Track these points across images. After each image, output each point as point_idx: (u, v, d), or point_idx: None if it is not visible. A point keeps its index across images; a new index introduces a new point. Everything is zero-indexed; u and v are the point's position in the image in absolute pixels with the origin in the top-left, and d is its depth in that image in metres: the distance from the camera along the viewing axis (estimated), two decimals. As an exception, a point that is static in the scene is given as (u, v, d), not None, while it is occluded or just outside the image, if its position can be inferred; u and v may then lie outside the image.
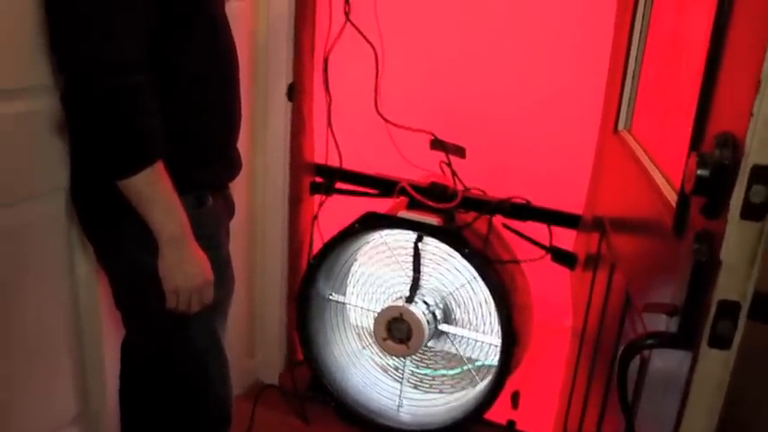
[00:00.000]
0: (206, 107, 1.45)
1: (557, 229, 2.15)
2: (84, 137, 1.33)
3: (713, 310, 0.82)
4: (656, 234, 1.13)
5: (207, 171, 1.49)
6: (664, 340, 0.91)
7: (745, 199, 0.78)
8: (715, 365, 0.83)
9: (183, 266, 1.36)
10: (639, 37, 1.62)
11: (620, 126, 1.71)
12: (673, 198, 1.07)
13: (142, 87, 1.25)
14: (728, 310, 0.81)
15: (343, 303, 2.35)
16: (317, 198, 2.46)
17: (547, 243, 2.16)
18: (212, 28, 1.44)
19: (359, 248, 2.28)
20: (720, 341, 0.83)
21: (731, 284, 0.81)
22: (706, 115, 0.93)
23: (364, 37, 2.22)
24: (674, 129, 1.17)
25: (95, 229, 1.50)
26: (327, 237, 2.22)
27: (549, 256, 2.16)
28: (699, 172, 0.82)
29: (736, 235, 0.79)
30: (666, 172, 1.23)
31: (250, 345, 2.51)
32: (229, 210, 1.66)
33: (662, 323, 0.96)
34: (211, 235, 1.50)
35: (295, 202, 2.41)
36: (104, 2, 1.20)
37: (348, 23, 2.23)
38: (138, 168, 1.26)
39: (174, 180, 1.32)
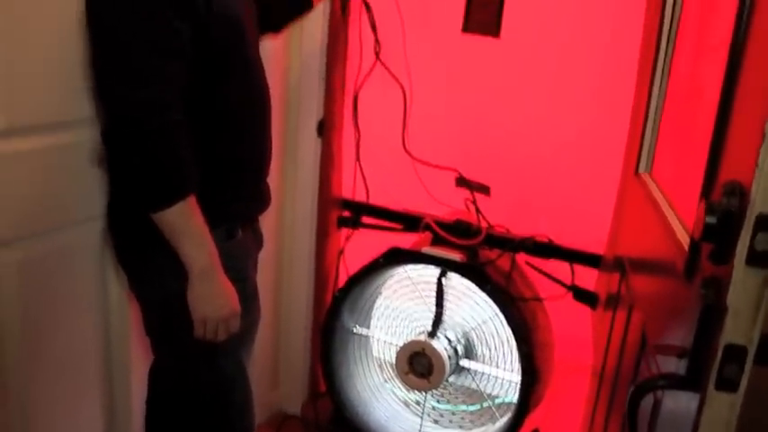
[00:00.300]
0: (238, 145, 1.52)
1: (579, 268, 2.17)
2: (123, 171, 1.39)
3: (720, 353, 0.84)
4: (671, 277, 1.16)
5: (237, 205, 1.55)
6: (672, 382, 0.94)
7: (751, 246, 0.81)
8: (722, 408, 0.86)
9: (211, 297, 1.41)
10: (661, 83, 1.66)
11: (642, 169, 1.74)
12: (686, 242, 1.09)
13: (178, 126, 1.32)
14: (735, 353, 0.84)
15: (367, 336, 2.38)
16: (344, 232, 2.51)
17: (569, 282, 2.17)
18: (247, 70, 1.51)
19: (383, 282, 2.31)
20: (727, 384, 0.85)
21: (737, 329, 0.83)
22: (716, 164, 0.96)
23: (393, 76, 2.28)
24: (691, 174, 1.20)
25: (129, 258, 1.57)
26: (353, 270, 2.26)
27: (570, 295, 2.18)
28: (707, 219, 0.85)
29: (741, 281, 0.82)
30: (682, 216, 1.26)
31: (274, 375, 2.55)
32: (258, 242, 1.72)
33: (674, 364, 0.99)
34: (240, 267, 1.56)
35: (322, 236, 2.46)
36: (145, 48, 1.28)
37: (378, 62, 2.30)
38: (172, 202, 1.32)
39: (206, 213, 1.38)
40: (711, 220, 0.85)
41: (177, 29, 1.31)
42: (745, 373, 0.84)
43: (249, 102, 1.54)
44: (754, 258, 0.81)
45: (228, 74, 1.45)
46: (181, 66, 1.33)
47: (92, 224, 1.64)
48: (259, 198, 1.64)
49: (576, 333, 2.22)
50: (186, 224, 1.36)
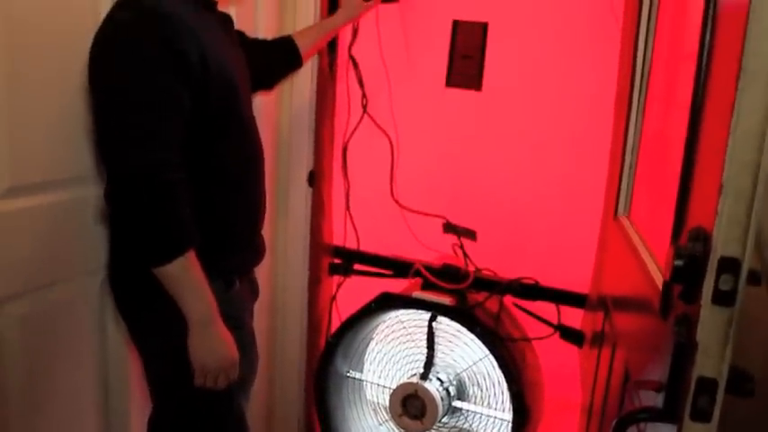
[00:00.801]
0: (234, 200, 1.58)
1: (565, 308, 2.24)
2: (126, 228, 1.45)
3: (693, 386, 0.91)
4: (648, 315, 1.23)
5: (234, 258, 1.62)
6: (652, 414, 1.01)
7: (716, 287, 0.88)
8: (698, 438, 0.92)
9: (211, 347, 1.47)
10: (634, 133, 1.76)
11: (620, 212, 1.82)
12: (661, 283, 1.17)
13: (179, 184, 1.38)
14: (707, 386, 0.91)
15: (361, 380, 2.43)
16: (336, 279, 2.57)
17: (556, 321, 2.24)
18: (242, 127, 1.59)
19: (375, 327, 2.37)
20: (701, 415, 0.92)
21: (707, 363, 0.91)
22: (683, 212, 1.05)
23: (380, 128, 2.39)
24: (663, 219, 1.28)
25: (130, 310, 1.62)
26: (345, 315, 2.31)
27: (557, 334, 2.25)
28: (675, 262, 0.93)
29: (708, 318, 0.89)
30: (657, 258, 1.34)
31: (269, 420, 2.58)
32: (254, 292, 1.78)
33: (654, 398, 1.06)
34: (237, 316, 1.61)
35: (314, 283, 2.52)
36: (147, 110, 1.35)
37: (366, 115, 2.40)
38: (174, 257, 1.38)
39: (205, 266, 1.44)
40: (679, 263, 0.93)
41: (176, 91, 1.38)
42: (717, 403, 0.91)
43: (244, 158, 1.62)
44: (719, 298, 0.88)
45: (225, 132, 1.53)
46: (180, 126, 1.40)
47: (91, 277, 1.70)
48: (254, 250, 1.71)
49: (564, 371, 2.27)
50: (187, 277, 1.42)
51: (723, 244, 0.87)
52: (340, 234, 2.52)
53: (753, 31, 0.84)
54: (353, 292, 2.49)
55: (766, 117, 0.82)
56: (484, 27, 2.26)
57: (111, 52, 1.39)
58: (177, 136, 1.40)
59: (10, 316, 1.50)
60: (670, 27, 1.63)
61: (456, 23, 2.29)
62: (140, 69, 1.35)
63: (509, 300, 2.31)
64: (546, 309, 2.26)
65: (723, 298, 0.88)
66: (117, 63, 1.37)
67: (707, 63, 1.03)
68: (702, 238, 0.92)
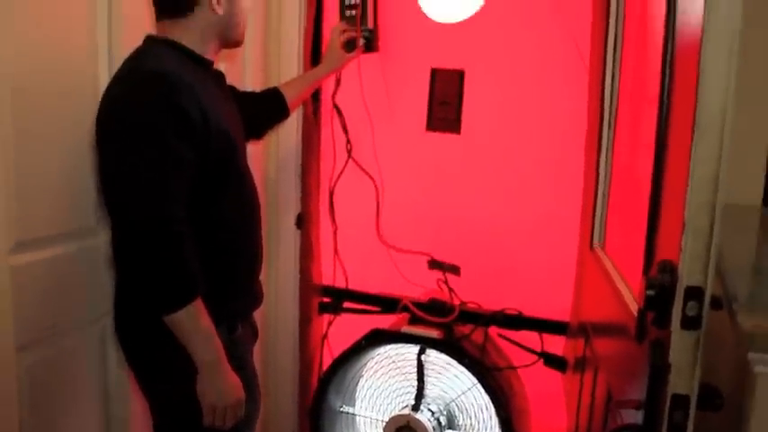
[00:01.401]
0: (236, 248, 1.68)
1: (547, 336, 2.35)
2: (135, 278, 1.52)
3: (668, 403, 1.02)
4: (625, 340, 1.35)
5: (236, 303, 1.70)
6: (633, 431, 1.11)
7: (683, 313, 1.00)
8: (674, 449, 1.03)
9: (219, 387, 1.54)
10: (605, 168, 1.89)
11: (595, 243, 1.95)
12: (636, 310, 1.29)
13: (185, 236, 1.47)
14: (680, 402, 1.02)
15: (354, 415, 2.49)
16: (326, 317, 2.66)
17: (539, 349, 2.35)
18: (240, 178, 1.69)
19: (366, 362, 2.44)
20: (677, 429, 1.03)
21: (680, 382, 1.02)
22: (652, 246, 1.17)
23: (365, 171, 2.50)
24: (635, 250, 1.40)
25: (138, 356, 1.68)
26: (336, 352, 2.38)
27: (541, 362, 2.35)
28: (647, 292, 1.05)
29: (678, 342, 1.01)
30: (632, 286, 1.46)
31: (266, 458, 2.63)
32: (254, 334, 1.87)
33: (634, 416, 1.17)
34: (241, 357, 1.70)
35: (305, 322, 2.60)
36: (153, 168, 1.44)
37: (350, 160, 2.52)
38: (183, 305, 1.46)
39: (210, 312, 1.53)
40: (651, 292, 1.04)
41: (180, 148, 1.47)
42: (690, 418, 1.02)
43: (243, 207, 1.71)
44: (687, 322, 1.00)
45: (225, 184, 1.62)
46: (185, 181, 1.49)
47: (93, 325, 1.78)
48: (254, 295, 1.79)
49: (549, 397, 2.37)
50: (194, 323, 1.49)
51: (688, 275, 0.99)
52: (329, 274, 2.62)
53: (704, 87, 0.97)
54: (344, 329, 2.58)
55: (718, 165, 0.95)
56: (461, 74, 2.38)
57: (118, 112, 1.48)
58: (182, 190, 1.49)
59: (18, 366, 1.56)
60: (633, 72, 1.77)
61: (434, 71, 2.41)
62: (147, 129, 1.44)
63: (494, 330, 2.40)
64: (529, 337, 2.36)
65: (690, 322, 1.00)
66: (125, 123, 1.46)
67: (666, 114, 1.16)
68: (670, 269, 1.04)
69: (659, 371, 1.05)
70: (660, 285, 1.04)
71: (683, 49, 1.13)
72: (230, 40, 1.71)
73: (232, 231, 1.67)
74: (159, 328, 1.49)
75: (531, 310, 2.36)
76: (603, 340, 1.67)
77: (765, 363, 0.97)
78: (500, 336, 2.41)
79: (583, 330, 1.99)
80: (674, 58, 1.18)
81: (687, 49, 1.09)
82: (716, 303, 1.04)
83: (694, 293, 0.99)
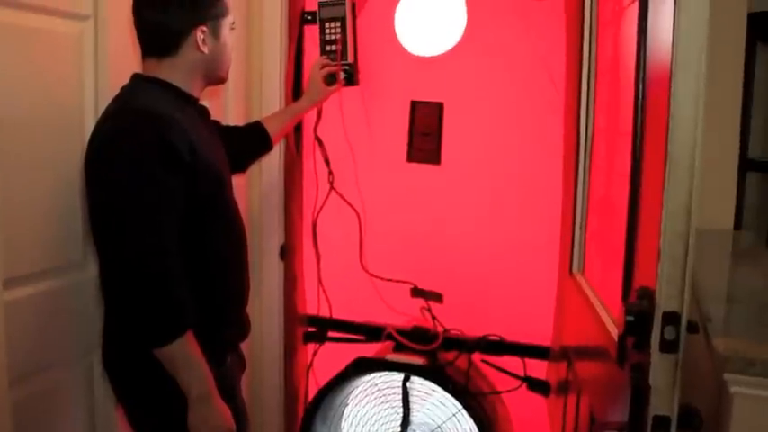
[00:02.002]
0: (224, 280, 1.70)
1: (530, 361, 2.39)
2: (126, 312, 1.54)
3: (649, 424, 1.07)
4: (607, 363, 1.39)
5: (225, 334, 1.73)
6: (616, 451, 1.16)
7: (662, 337, 1.05)
8: (657, 468, 1.08)
9: (209, 418, 1.56)
10: (583, 196, 1.95)
11: (574, 269, 2.00)
12: (616, 335, 1.33)
13: (176, 269, 1.50)
14: (661, 423, 1.07)
15: (340, 444, 2.52)
16: (311, 346, 2.68)
17: (522, 374, 2.39)
18: (227, 211, 1.72)
19: (351, 391, 2.46)
20: (659, 448, 1.07)
21: (660, 403, 1.07)
22: (630, 274, 1.22)
23: (347, 202, 2.54)
24: (613, 276, 1.45)
25: (128, 390, 1.69)
26: (322, 381, 2.40)
27: (525, 386, 2.39)
28: (627, 317, 1.10)
29: (658, 365, 1.06)
30: (611, 310, 1.51)
31: (252, 490, 2.63)
32: (242, 365, 1.89)
33: (618, 438, 1.21)
34: (229, 387, 1.71)
35: (290, 352, 2.62)
36: (144, 204, 1.47)
37: (333, 191, 2.56)
38: (174, 338, 1.49)
39: (200, 343, 1.55)
40: (630, 318, 1.09)
41: (170, 184, 1.50)
42: (672, 437, 1.07)
43: (230, 239, 1.74)
44: (666, 346, 1.05)
45: (213, 217, 1.65)
46: (174, 216, 1.53)
47: (81, 359, 1.79)
48: (242, 326, 1.82)
49: (533, 421, 2.41)
50: (185, 355, 1.52)
51: (665, 301, 1.04)
52: (313, 303, 2.64)
53: (674, 123, 1.03)
54: (329, 358, 2.60)
55: (690, 196, 1.00)
56: (440, 106, 2.44)
57: (109, 151, 1.51)
58: (172, 224, 1.52)
59: (5, 401, 1.55)
60: (607, 104, 1.84)
61: (414, 104, 2.47)
62: (137, 165, 1.48)
63: (477, 356, 2.44)
64: (512, 362, 2.40)
65: (669, 346, 1.05)
66: (115, 159, 1.49)
67: (639, 146, 1.22)
68: (647, 296, 1.09)
69: (640, 393, 1.09)
70: (639, 311, 1.08)
71: (654, 84, 1.19)
72: (215, 78, 1.75)
73: (220, 263, 1.70)
74: (149, 361, 1.51)
75: (513, 336, 2.40)
76: (585, 364, 1.72)
77: (741, 383, 1.01)
78: (483, 361, 2.44)
79: (565, 354, 2.03)
80: (646, 93, 1.24)
81: (657, 86, 1.15)
82: (692, 327, 1.08)
83: (671, 318, 1.04)
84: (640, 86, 1.28)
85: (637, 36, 1.34)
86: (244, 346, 1.86)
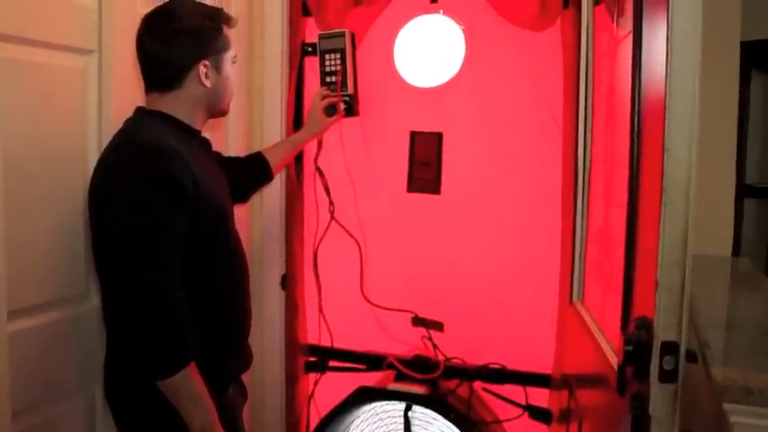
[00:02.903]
0: (226, 312, 1.71)
1: (532, 389, 2.38)
2: (130, 344, 1.55)
3: (651, 453, 1.07)
4: (607, 392, 1.40)
5: (227, 365, 1.73)
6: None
7: (661, 367, 1.06)
8: (658, 497, 1.08)
9: (212, 450, 1.57)
10: (582, 226, 1.96)
11: (575, 298, 2.01)
12: (616, 364, 1.34)
13: (180, 301, 1.51)
14: (662, 452, 1.07)
15: (342, 473, 2.51)
16: (312, 376, 2.68)
17: (524, 402, 2.39)
18: (229, 243, 1.74)
19: (353, 420, 2.45)
20: (660, 478, 1.08)
21: (660, 432, 1.07)
22: (629, 304, 1.23)
23: (348, 232, 2.55)
24: (613, 305, 1.46)
25: (131, 423, 1.69)
26: (323, 411, 2.40)
27: (527, 414, 2.38)
28: (626, 347, 1.11)
29: (657, 394, 1.06)
30: (611, 339, 1.52)
31: None
32: (244, 395, 1.89)
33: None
34: (231, 419, 1.72)
35: (291, 382, 2.62)
36: (148, 237, 1.49)
37: (333, 220, 2.57)
38: (177, 370, 1.49)
39: (202, 375, 1.56)
40: (629, 348, 1.10)
41: (174, 217, 1.52)
42: (673, 466, 1.07)
43: (232, 270, 1.76)
44: (665, 376, 1.06)
45: (215, 248, 1.67)
46: (178, 248, 1.54)
47: (85, 391, 1.80)
48: (244, 357, 1.83)
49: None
50: (189, 388, 1.52)
51: (663, 331, 1.05)
52: (314, 333, 2.64)
53: (669, 156, 1.05)
54: (330, 387, 2.59)
55: (686, 227, 1.02)
56: (439, 136, 2.46)
57: (112, 184, 1.53)
58: (175, 257, 1.53)
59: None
60: (604, 135, 1.86)
61: (413, 134, 2.48)
62: (141, 198, 1.49)
63: (479, 385, 2.43)
64: (514, 391, 2.40)
65: (668, 376, 1.06)
66: (119, 192, 1.51)
67: (636, 178, 1.24)
68: (646, 326, 1.10)
69: (641, 422, 1.10)
70: (637, 341, 1.09)
71: (649, 115, 1.21)
72: (217, 111, 1.78)
73: (223, 294, 1.71)
74: (151, 393, 1.51)
75: (514, 364, 2.40)
76: (586, 392, 1.72)
77: (740, 413, 1.02)
78: (485, 390, 2.44)
79: (566, 383, 2.04)
80: (641, 124, 1.26)
81: (652, 117, 1.17)
82: (691, 356, 1.09)
83: (670, 348, 1.05)
84: (636, 117, 1.30)
85: (631, 67, 1.37)
86: (245, 375, 1.87)
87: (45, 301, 1.68)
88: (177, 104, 1.67)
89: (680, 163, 1.03)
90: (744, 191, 3.06)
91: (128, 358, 1.62)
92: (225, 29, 1.72)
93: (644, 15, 1.32)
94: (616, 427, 1.31)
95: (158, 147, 1.54)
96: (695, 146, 1.06)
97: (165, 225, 1.51)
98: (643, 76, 1.31)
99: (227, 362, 1.72)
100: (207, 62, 1.67)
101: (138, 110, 1.69)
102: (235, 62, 1.77)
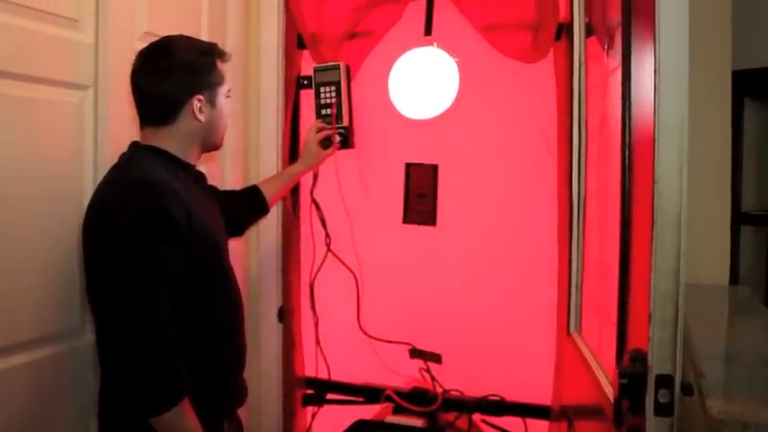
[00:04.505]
0: (221, 347, 1.70)
1: (531, 420, 2.36)
2: (122, 380, 1.53)
3: (648, 488, 1.06)
4: (605, 424, 1.38)
5: (222, 401, 1.72)
6: None
7: (656, 400, 1.05)
8: None
9: (206, 486, 1.55)
10: (578, 257, 1.96)
11: (572, 329, 2.00)
12: (612, 397, 1.33)
13: (172, 337, 1.50)
14: (659, 487, 1.06)
15: (341, 508, 2.47)
16: (310, 409, 2.66)
17: (524, 434, 2.37)
18: (224, 277, 1.73)
19: (351, 454, 2.44)
20: None
21: (658, 467, 1.06)
22: (623, 337, 1.22)
23: (344, 264, 2.55)
24: (609, 336, 1.46)
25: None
26: (321, 446, 2.40)
27: (526, 447, 2.37)
28: (621, 381, 1.10)
29: (653, 428, 1.05)
30: (608, 371, 1.51)
31: None
32: (239, 430, 1.87)
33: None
34: (228, 454, 1.70)
35: (289, 415, 2.59)
36: (142, 274, 1.48)
37: (329, 253, 2.57)
38: (171, 406, 1.48)
39: (196, 411, 1.54)
40: (624, 381, 1.09)
41: (166, 252, 1.51)
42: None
43: (227, 305, 1.75)
44: (660, 409, 1.05)
45: (209, 283, 1.66)
46: (170, 284, 1.53)
47: (80, 427, 1.78)
48: (238, 392, 1.81)
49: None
50: (182, 424, 1.50)
51: (657, 364, 1.05)
52: (311, 365, 2.63)
53: (659, 189, 1.05)
54: (328, 420, 2.58)
55: (678, 259, 1.01)
56: (434, 168, 2.47)
57: (106, 219, 1.53)
58: (167, 292, 1.52)
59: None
60: (598, 164, 1.86)
61: (408, 165, 2.50)
62: (134, 235, 1.49)
63: (477, 417, 2.42)
64: (513, 423, 2.38)
65: (663, 409, 1.05)
66: (112, 227, 1.51)
67: (628, 211, 1.24)
68: (640, 358, 1.09)
69: (637, 457, 1.09)
70: (632, 374, 1.09)
71: (639, 147, 1.22)
72: (211, 145, 1.78)
73: (217, 330, 1.70)
74: (145, 428, 1.49)
75: (513, 395, 2.38)
76: (585, 424, 1.70)
77: (736, 447, 1.01)
78: (484, 422, 2.42)
79: (565, 414, 2.02)
80: (632, 156, 1.27)
81: (642, 148, 1.17)
82: (687, 389, 1.08)
83: (665, 381, 1.04)
84: (626, 148, 1.31)
85: (621, 99, 1.38)
86: (242, 410, 1.85)
87: (39, 336, 1.67)
88: (172, 139, 1.67)
89: (670, 194, 1.03)
90: (740, 218, 3.07)
91: (121, 395, 1.60)
92: (219, 63, 1.73)
93: (632, 46, 1.33)
94: (614, 460, 1.30)
95: (152, 182, 1.54)
96: (685, 176, 1.06)
97: (158, 261, 1.50)
98: (633, 107, 1.32)
99: (221, 398, 1.71)
100: (201, 97, 1.67)
101: (133, 145, 1.69)
102: (229, 96, 1.78)
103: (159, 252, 1.51)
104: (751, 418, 0.98)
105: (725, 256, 2.20)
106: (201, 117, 1.68)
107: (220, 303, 1.71)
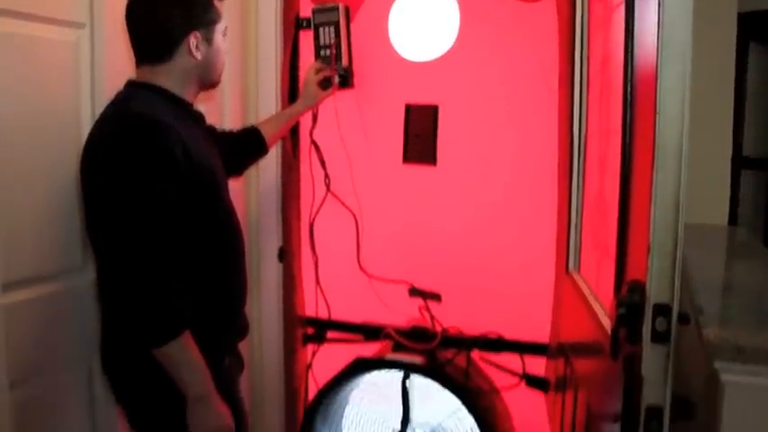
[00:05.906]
0: (222, 282, 1.72)
1: (529, 358, 2.40)
2: (124, 313, 1.56)
3: (642, 414, 1.08)
4: (602, 357, 1.41)
5: (223, 335, 1.75)
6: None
7: (653, 328, 1.06)
8: (651, 458, 1.09)
9: (209, 417, 1.58)
10: (577, 195, 1.96)
11: (570, 267, 2.01)
12: (609, 329, 1.35)
13: (173, 270, 1.51)
14: (654, 413, 1.08)
15: (341, 444, 2.53)
16: (310, 347, 2.70)
17: (521, 371, 2.41)
18: (224, 213, 1.74)
19: (351, 390, 2.47)
20: (652, 438, 1.09)
21: (652, 393, 1.08)
22: (622, 268, 1.24)
23: (344, 204, 2.56)
24: (608, 272, 1.47)
25: (127, 391, 1.71)
26: (322, 382, 2.42)
27: (524, 383, 2.40)
28: (619, 310, 1.11)
29: (649, 355, 1.07)
30: (606, 306, 1.53)
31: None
32: (240, 365, 1.90)
33: (612, 428, 1.22)
34: (228, 388, 1.73)
35: (290, 353, 2.63)
36: (142, 209, 1.48)
37: (329, 193, 2.58)
38: (172, 338, 1.50)
39: (198, 344, 1.57)
40: (622, 311, 1.11)
41: (165, 187, 1.51)
42: (665, 426, 1.08)
43: (228, 241, 1.76)
44: (657, 337, 1.06)
45: (209, 219, 1.67)
46: (171, 218, 1.54)
47: (82, 363, 1.83)
48: (240, 327, 1.83)
49: (532, 417, 2.42)
50: (184, 356, 1.53)
51: (655, 293, 1.06)
52: (311, 305, 2.66)
53: (661, 118, 1.05)
54: (328, 359, 2.61)
55: (678, 188, 1.02)
56: (435, 109, 2.45)
57: (104, 156, 1.53)
58: (168, 227, 1.53)
59: (5, 404, 1.59)
60: (599, 103, 1.86)
61: (408, 107, 2.48)
62: (132, 169, 1.49)
63: (476, 354, 2.45)
64: (511, 360, 2.42)
65: (660, 337, 1.06)
66: (111, 164, 1.51)
67: (629, 142, 1.24)
68: (638, 289, 1.10)
69: (633, 384, 1.11)
70: (630, 304, 1.10)
71: (642, 82, 1.21)
72: (208, 83, 1.77)
73: (218, 265, 1.71)
74: (148, 362, 1.52)
75: (511, 333, 2.41)
76: (582, 359, 1.73)
77: (731, 372, 1.03)
78: (482, 359, 2.45)
79: (562, 351, 2.05)
80: (634, 90, 1.26)
81: (645, 83, 1.16)
82: (684, 318, 1.10)
83: (662, 310, 1.05)
84: (628, 84, 1.30)
85: (624, 35, 1.36)
86: (243, 347, 1.88)
87: (41, 273, 1.70)
88: (168, 77, 1.66)
89: (672, 126, 1.03)
90: (741, 162, 3.06)
91: (123, 328, 1.62)
92: (215, 1, 1.71)
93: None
94: (610, 390, 1.32)
95: (149, 118, 1.54)
96: (687, 109, 1.05)
97: (157, 196, 1.51)
98: (635, 43, 1.30)
99: (222, 332, 1.73)
100: (197, 34, 1.66)
101: (129, 83, 1.68)
102: (226, 35, 1.76)
103: (157, 187, 1.51)
104: (746, 342, 1.00)
105: (724, 197, 2.21)
106: (198, 54, 1.67)
107: (221, 239, 1.72)
